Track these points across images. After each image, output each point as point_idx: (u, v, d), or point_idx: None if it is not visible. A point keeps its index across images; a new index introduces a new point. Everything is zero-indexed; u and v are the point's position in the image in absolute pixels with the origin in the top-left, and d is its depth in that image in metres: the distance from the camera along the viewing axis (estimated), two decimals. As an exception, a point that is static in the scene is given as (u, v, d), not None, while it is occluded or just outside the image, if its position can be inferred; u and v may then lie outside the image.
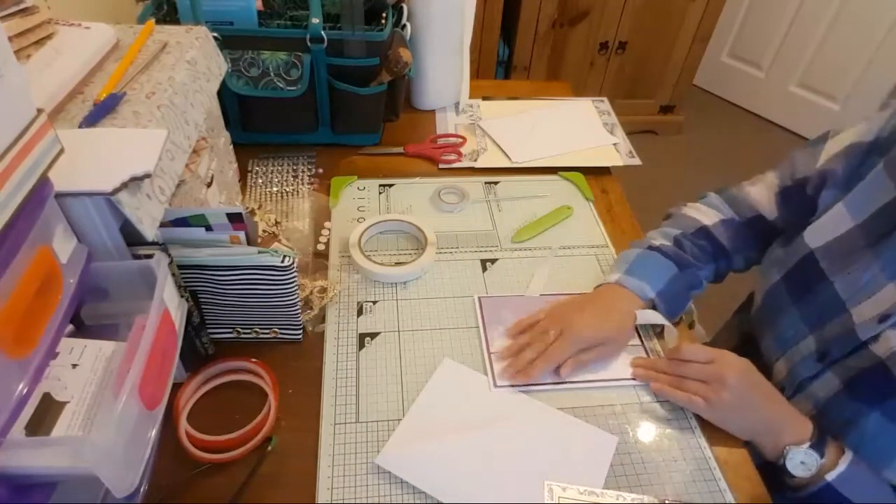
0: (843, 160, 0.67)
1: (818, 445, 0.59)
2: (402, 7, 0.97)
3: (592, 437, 0.63)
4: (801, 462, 0.59)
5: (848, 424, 0.60)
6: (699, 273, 0.76)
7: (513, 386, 0.66)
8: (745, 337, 0.81)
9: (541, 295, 0.77)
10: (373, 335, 0.71)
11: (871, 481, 0.59)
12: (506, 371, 0.67)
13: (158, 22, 0.69)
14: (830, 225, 0.65)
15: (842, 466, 0.59)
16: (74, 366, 0.48)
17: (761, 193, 0.78)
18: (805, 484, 0.60)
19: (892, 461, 0.58)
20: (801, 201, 0.71)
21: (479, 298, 0.76)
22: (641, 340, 0.73)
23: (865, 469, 0.59)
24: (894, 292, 0.59)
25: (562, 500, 0.57)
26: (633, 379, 0.68)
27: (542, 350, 0.67)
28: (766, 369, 0.66)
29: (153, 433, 0.47)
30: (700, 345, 0.67)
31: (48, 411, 0.44)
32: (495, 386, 0.66)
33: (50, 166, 0.42)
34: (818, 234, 0.66)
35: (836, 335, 0.63)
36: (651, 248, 0.76)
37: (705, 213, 0.80)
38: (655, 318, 0.71)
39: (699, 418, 0.65)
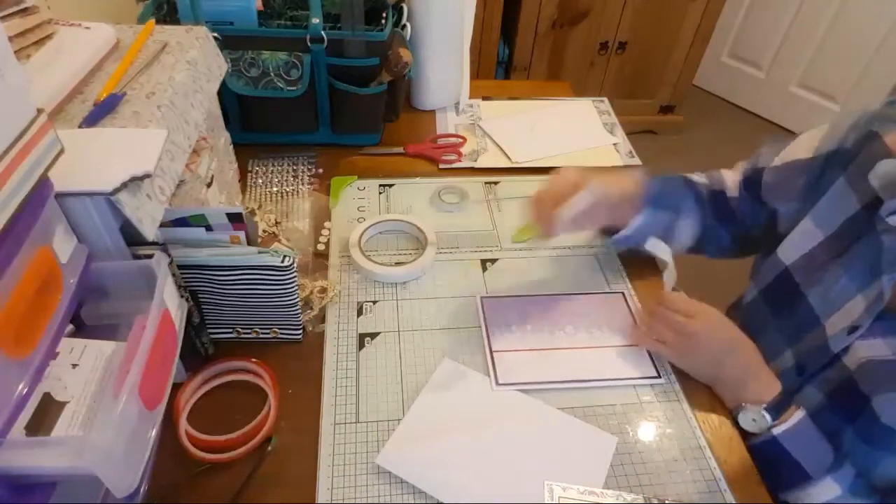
0: (803, 174, 0.69)
1: (775, 409, 0.62)
2: (402, 7, 0.97)
3: (592, 437, 0.63)
4: (753, 420, 0.63)
5: (833, 438, 0.61)
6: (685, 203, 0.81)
7: (514, 384, 0.66)
8: None
9: (545, 295, 0.77)
10: (373, 335, 0.71)
11: (815, 440, 0.61)
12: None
13: (158, 22, 0.69)
14: (801, 240, 0.67)
15: (790, 423, 0.61)
16: (74, 366, 0.48)
17: (730, 175, 0.83)
18: (753, 434, 0.64)
19: (869, 476, 0.60)
20: (756, 191, 0.77)
21: (482, 298, 0.76)
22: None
23: (812, 429, 0.61)
24: (862, 303, 0.60)
25: (562, 500, 0.57)
26: (633, 379, 0.68)
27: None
28: None
29: (153, 433, 0.47)
30: (685, 297, 0.70)
31: (48, 411, 0.44)
32: (497, 385, 0.66)
33: (50, 166, 0.42)
34: (791, 249, 0.68)
35: (811, 349, 0.65)
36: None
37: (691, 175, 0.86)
38: (663, 252, 0.77)
39: (699, 418, 0.65)
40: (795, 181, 0.70)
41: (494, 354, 0.69)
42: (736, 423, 0.64)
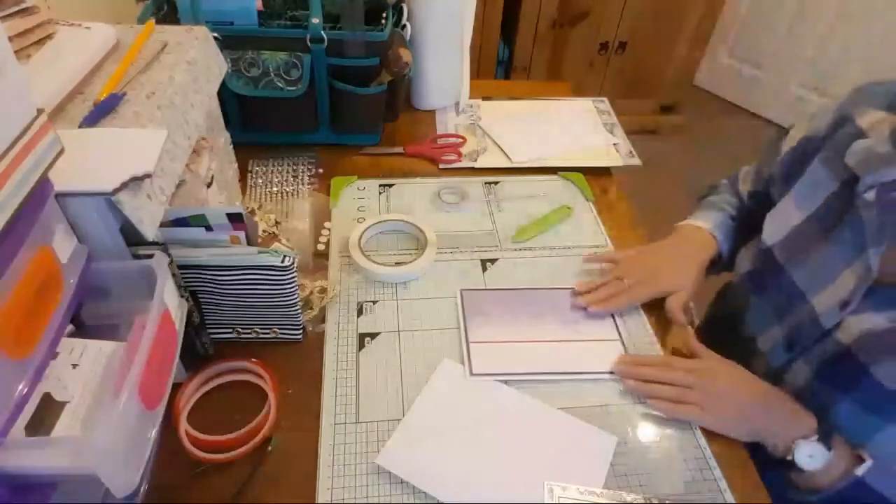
0: (788, 157, 0.71)
1: (825, 438, 0.59)
2: (402, 7, 0.97)
3: (592, 437, 0.63)
4: (809, 455, 0.59)
5: (822, 411, 0.61)
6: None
7: (489, 375, 0.67)
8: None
9: (527, 289, 0.77)
10: (373, 335, 0.71)
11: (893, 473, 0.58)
12: (581, 299, 0.75)
13: (158, 22, 0.69)
14: (783, 220, 0.68)
15: (870, 461, 0.58)
16: (74, 366, 0.48)
17: (741, 187, 0.85)
18: (825, 485, 0.59)
19: (865, 446, 0.59)
20: (767, 202, 0.75)
21: (461, 292, 0.76)
22: (619, 335, 0.73)
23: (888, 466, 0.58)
24: (851, 278, 0.60)
25: (562, 500, 0.57)
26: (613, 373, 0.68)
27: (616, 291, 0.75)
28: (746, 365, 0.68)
29: (153, 433, 0.47)
30: (696, 346, 0.69)
31: (48, 411, 0.44)
32: (471, 374, 0.67)
33: (50, 166, 0.42)
34: (772, 230, 0.69)
35: (800, 324, 0.65)
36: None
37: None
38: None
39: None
40: (780, 167, 0.72)
41: (471, 345, 0.70)
42: (790, 476, 0.61)
